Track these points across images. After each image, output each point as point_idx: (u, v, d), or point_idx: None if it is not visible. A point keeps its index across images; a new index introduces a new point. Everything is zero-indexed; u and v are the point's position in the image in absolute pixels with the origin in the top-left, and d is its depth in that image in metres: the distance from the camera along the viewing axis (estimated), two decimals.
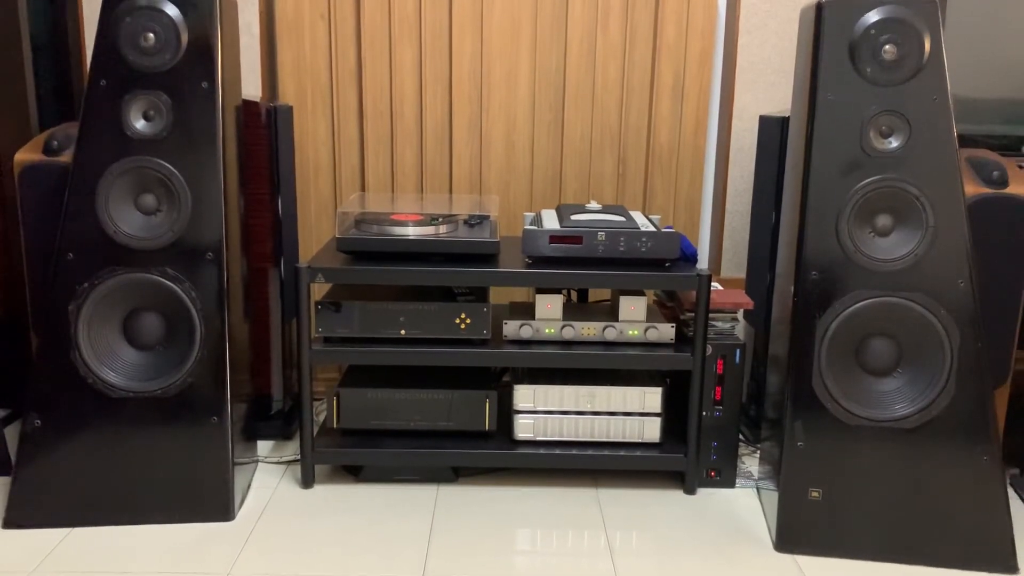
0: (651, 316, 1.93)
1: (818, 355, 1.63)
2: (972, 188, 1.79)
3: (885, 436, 1.64)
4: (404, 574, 1.60)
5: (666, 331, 1.89)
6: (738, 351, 1.89)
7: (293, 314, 2.15)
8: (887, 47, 1.56)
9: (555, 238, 1.84)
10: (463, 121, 2.32)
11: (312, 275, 1.81)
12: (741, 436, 2.18)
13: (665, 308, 2.09)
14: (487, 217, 2.01)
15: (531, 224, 1.92)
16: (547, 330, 1.89)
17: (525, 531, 1.76)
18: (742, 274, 2.47)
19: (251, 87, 2.34)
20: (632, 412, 1.91)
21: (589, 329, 1.89)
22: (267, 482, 1.94)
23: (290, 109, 2.12)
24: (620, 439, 1.92)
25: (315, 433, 1.94)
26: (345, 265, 1.82)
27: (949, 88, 1.57)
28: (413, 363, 1.86)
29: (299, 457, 1.95)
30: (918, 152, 1.58)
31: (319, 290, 2.34)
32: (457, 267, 1.82)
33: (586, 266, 1.84)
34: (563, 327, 1.89)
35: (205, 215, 1.70)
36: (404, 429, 1.94)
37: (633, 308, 1.89)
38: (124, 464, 1.73)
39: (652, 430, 1.91)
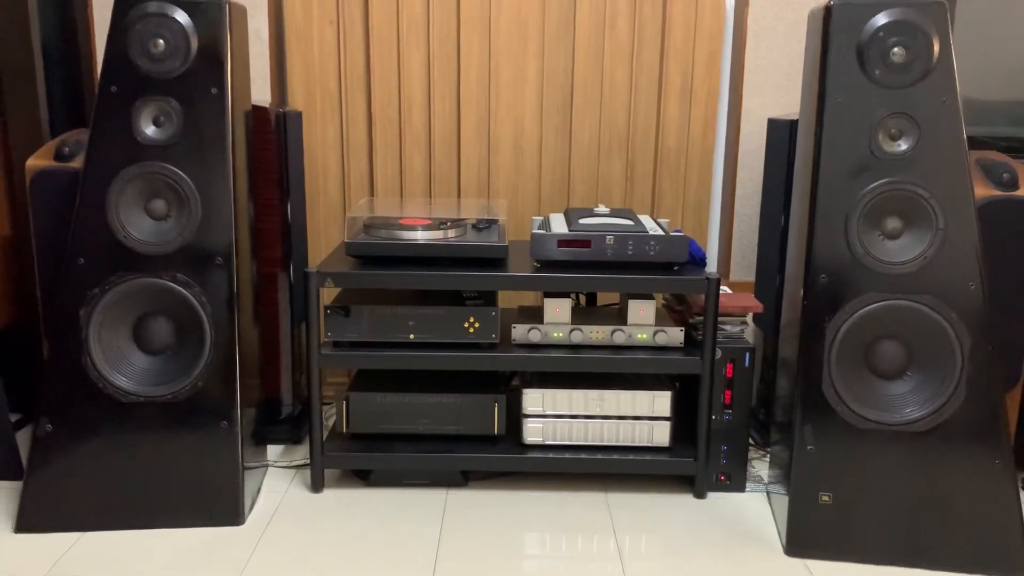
0: (660, 320, 1.93)
1: (828, 358, 1.63)
2: (982, 190, 1.78)
3: (895, 440, 1.64)
4: None
5: (675, 335, 1.88)
6: (747, 355, 1.89)
7: (302, 318, 2.16)
8: (896, 49, 1.56)
9: (563, 242, 1.84)
10: (471, 125, 2.32)
11: (321, 279, 1.82)
12: (751, 440, 2.18)
13: (674, 312, 2.08)
14: (495, 221, 2.01)
15: (539, 228, 1.92)
16: (556, 334, 1.89)
17: (534, 535, 1.76)
18: (751, 277, 2.46)
19: (260, 92, 2.35)
20: (641, 416, 1.91)
21: (598, 333, 1.89)
22: (277, 486, 1.94)
23: (299, 115, 2.12)
24: (629, 443, 1.92)
25: (324, 437, 1.95)
26: (354, 269, 1.83)
27: (958, 90, 1.57)
28: (422, 367, 1.86)
29: (309, 461, 1.95)
30: (927, 154, 1.58)
31: (328, 294, 2.34)
32: (465, 271, 1.82)
33: (595, 270, 1.84)
34: (572, 331, 1.89)
35: (215, 220, 1.71)
36: (413, 433, 1.94)
37: (642, 312, 1.89)
38: (135, 468, 1.74)
39: (661, 434, 1.91)
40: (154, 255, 1.70)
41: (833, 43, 1.58)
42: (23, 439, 2.10)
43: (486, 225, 1.97)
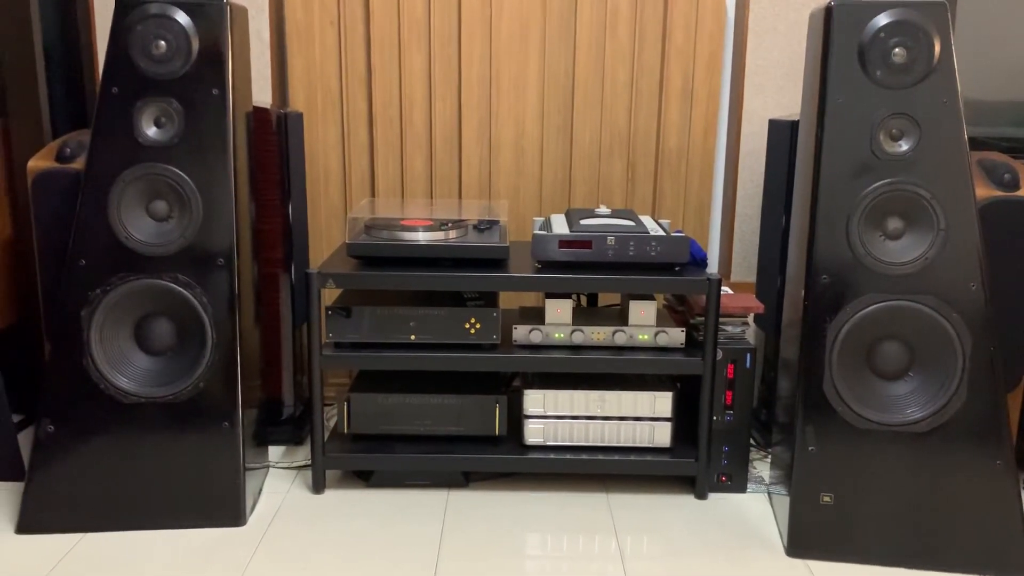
0: (661, 320, 1.93)
1: (829, 359, 1.63)
2: (983, 191, 1.78)
3: (897, 440, 1.64)
4: None
5: (676, 335, 1.88)
6: (748, 355, 1.89)
7: (304, 319, 2.16)
8: (897, 50, 1.56)
9: (565, 243, 1.84)
10: (472, 126, 2.32)
11: (323, 280, 1.82)
12: (752, 441, 2.18)
13: (675, 312, 2.08)
14: (496, 222, 2.01)
15: (540, 229, 1.93)
16: (557, 335, 1.89)
17: (535, 536, 1.76)
18: (752, 278, 2.46)
19: (262, 93, 2.35)
20: (642, 416, 1.91)
21: (599, 333, 1.89)
22: (278, 487, 1.94)
23: (300, 115, 2.13)
24: (630, 444, 1.92)
25: (326, 438, 1.95)
26: (355, 270, 1.83)
27: (959, 91, 1.57)
28: (423, 368, 1.86)
29: (310, 462, 1.95)
30: (928, 155, 1.58)
31: (329, 295, 2.34)
32: (467, 272, 1.83)
33: (596, 271, 1.84)
34: (573, 332, 1.89)
35: (216, 221, 1.71)
36: (414, 434, 1.94)
37: (643, 312, 1.89)
38: (136, 469, 1.74)
39: (663, 435, 1.91)
40: (155, 256, 1.70)
41: (834, 44, 1.58)
42: (25, 440, 2.10)
43: (487, 226, 1.97)
